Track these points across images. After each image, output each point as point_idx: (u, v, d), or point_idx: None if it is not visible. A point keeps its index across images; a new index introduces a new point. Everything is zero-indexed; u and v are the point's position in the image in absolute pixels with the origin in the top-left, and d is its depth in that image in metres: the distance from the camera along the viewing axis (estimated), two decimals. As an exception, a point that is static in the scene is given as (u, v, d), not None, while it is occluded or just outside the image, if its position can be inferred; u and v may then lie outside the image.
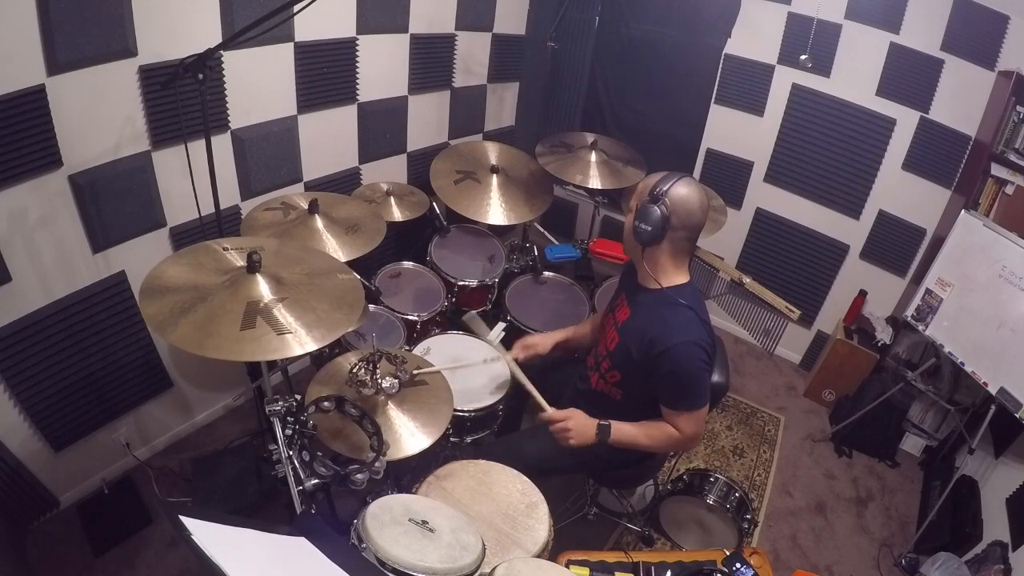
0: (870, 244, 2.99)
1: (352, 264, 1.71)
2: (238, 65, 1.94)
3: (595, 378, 1.70)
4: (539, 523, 1.38)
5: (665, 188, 1.44)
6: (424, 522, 1.10)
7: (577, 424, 1.57)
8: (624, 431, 1.57)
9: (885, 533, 2.48)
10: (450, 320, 2.44)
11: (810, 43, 2.62)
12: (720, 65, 3.02)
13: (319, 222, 1.92)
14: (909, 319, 2.55)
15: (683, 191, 1.45)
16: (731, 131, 3.14)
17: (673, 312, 1.49)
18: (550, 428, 1.59)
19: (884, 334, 2.92)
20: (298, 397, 1.32)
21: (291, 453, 1.24)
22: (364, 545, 1.01)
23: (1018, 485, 2.14)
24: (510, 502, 1.42)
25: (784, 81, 2.91)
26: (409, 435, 1.49)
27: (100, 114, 1.67)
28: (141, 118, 1.76)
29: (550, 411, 1.61)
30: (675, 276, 1.53)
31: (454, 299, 2.42)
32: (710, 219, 2.45)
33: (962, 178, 2.65)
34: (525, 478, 1.49)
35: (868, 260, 3.03)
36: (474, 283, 2.42)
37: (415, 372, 1.65)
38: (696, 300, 1.53)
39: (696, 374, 1.47)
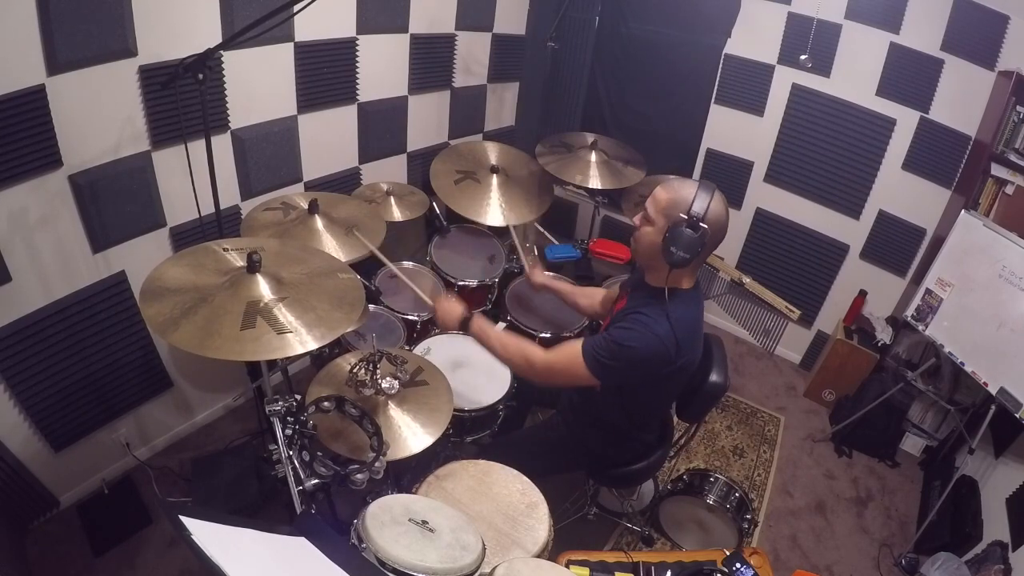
0: (870, 244, 2.99)
1: (352, 264, 1.71)
2: (238, 65, 1.94)
3: None
4: (539, 523, 1.38)
5: (702, 212, 1.33)
6: (424, 522, 1.09)
7: (443, 311, 1.70)
8: (484, 329, 1.62)
9: (885, 533, 2.48)
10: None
11: (810, 43, 2.62)
12: (720, 65, 3.02)
13: (319, 222, 1.92)
14: (909, 319, 2.55)
15: (718, 210, 1.36)
16: (731, 131, 3.14)
17: (657, 313, 1.42)
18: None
19: (884, 334, 2.92)
20: (298, 397, 1.32)
21: (291, 453, 1.24)
22: (364, 545, 1.01)
23: (1018, 485, 2.14)
24: (510, 502, 1.42)
25: (784, 81, 2.91)
26: (409, 435, 1.49)
27: (100, 114, 1.67)
28: (141, 118, 1.76)
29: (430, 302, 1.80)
30: (679, 281, 1.47)
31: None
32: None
33: (962, 178, 2.65)
34: (525, 478, 1.49)
35: (868, 260, 3.03)
36: (474, 283, 2.42)
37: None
38: (685, 310, 1.45)
39: (626, 349, 1.38)
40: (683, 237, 1.35)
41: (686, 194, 1.37)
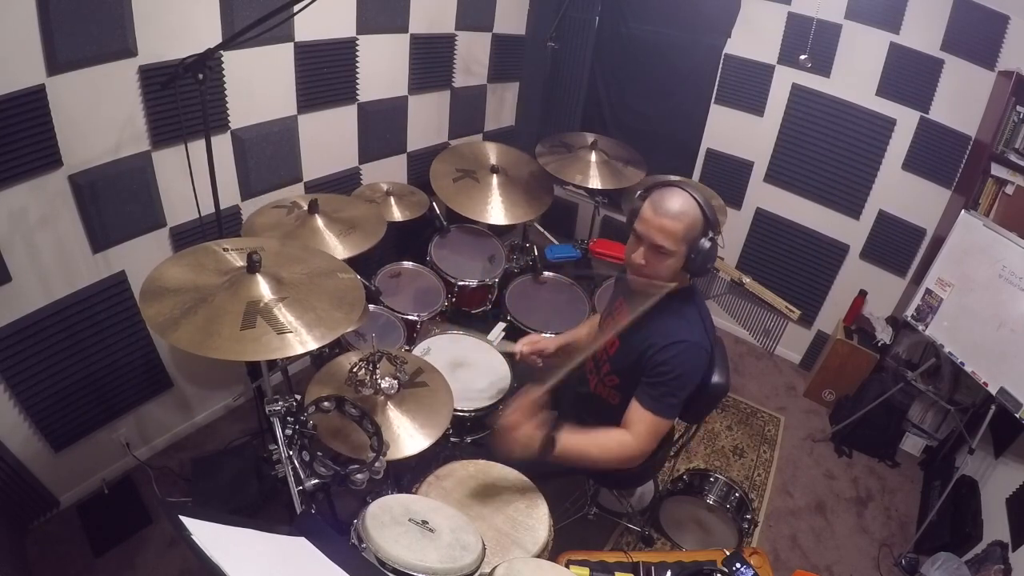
0: (870, 244, 2.99)
1: (352, 264, 1.71)
2: (238, 65, 1.94)
3: (594, 381, 1.70)
4: (539, 523, 1.38)
5: (715, 220, 1.39)
6: (424, 522, 1.10)
7: (519, 436, 1.33)
8: (573, 442, 1.39)
9: (885, 533, 2.48)
10: (450, 320, 2.44)
11: (810, 43, 2.62)
12: (720, 65, 3.02)
13: (319, 221, 1.92)
14: (909, 319, 2.55)
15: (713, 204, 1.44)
16: (731, 131, 3.14)
17: (676, 317, 1.47)
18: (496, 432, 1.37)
19: (884, 334, 2.92)
20: (298, 397, 1.32)
21: (291, 453, 1.24)
22: (364, 545, 1.01)
23: (1018, 485, 2.14)
24: (510, 502, 1.42)
25: (784, 81, 2.91)
26: (409, 435, 1.49)
27: (100, 114, 1.67)
28: (141, 118, 1.76)
29: (500, 422, 1.36)
30: (680, 281, 1.50)
31: (454, 299, 2.42)
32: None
33: (962, 178, 2.65)
34: (525, 478, 1.49)
35: (868, 260, 3.03)
36: (474, 283, 2.42)
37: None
38: (698, 303, 1.52)
39: (682, 374, 1.41)
40: (707, 250, 1.39)
41: (693, 212, 1.38)
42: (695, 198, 1.39)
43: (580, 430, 1.43)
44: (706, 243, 1.38)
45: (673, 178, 2.65)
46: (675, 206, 1.38)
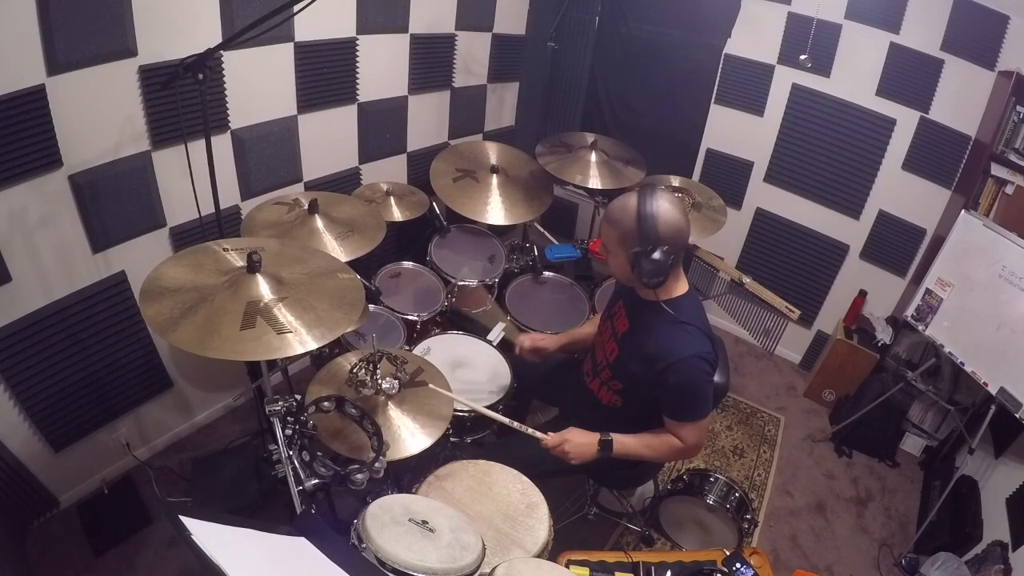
0: (870, 244, 2.99)
1: (352, 264, 1.71)
2: (238, 65, 1.94)
3: (596, 385, 1.70)
4: (539, 523, 1.38)
5: (654, 233, 1.32)
6: (424, 522, 1.10)
7: (575, 445, 1.52)
8: (626, 444, 1.54)
9: (885, 533, 2.48)
10: (450, 320, 2.44)
11: (810, 43, 2.62)
12: (720, 65, 3.02)
13: (319, 222, 1.92)
14: (909, 319, 2.55)
15: (668, 216, 1.35)
16: (731, 131, 3.14)
17: (676, 327, 1.47)
18: (551, 452, 1.55)
19: (884, 334, 2.92)
20: (298, 397, 1.32)
21: (291, 453, 1.24)
22: (364, 545, 1.01)
23: (1018, 485, 2.14)
24: (510, 502, 1.42)
25: (784, 81, 2.91)
26: (409, 435, 1.49)
27: (100, 114, 1.67)
28: (141, 118, 1.76)
29: (546, 438, 1.54)
30: (674, 288, 1.50)
31: (454, 299, 2.42)
32: (710, 219, 2.47)
33: (962, 178, 2.65)
34: (525, 478, 1.49)
35: (868, 260, 3.03)
36: (474, 283, 2.42)
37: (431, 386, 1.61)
38: (697, 311, 1.51)
39: (701, 387, 1.46)
40: (649, 264, 1.35)
41: (629, 223, 1.36)
42: (643, 209, 1.34)
43: (629, 434, 1.56)
44: (652, 256, 1.33)
45: (673, 180, 2.66)
46: (614, 212, 1.41)
